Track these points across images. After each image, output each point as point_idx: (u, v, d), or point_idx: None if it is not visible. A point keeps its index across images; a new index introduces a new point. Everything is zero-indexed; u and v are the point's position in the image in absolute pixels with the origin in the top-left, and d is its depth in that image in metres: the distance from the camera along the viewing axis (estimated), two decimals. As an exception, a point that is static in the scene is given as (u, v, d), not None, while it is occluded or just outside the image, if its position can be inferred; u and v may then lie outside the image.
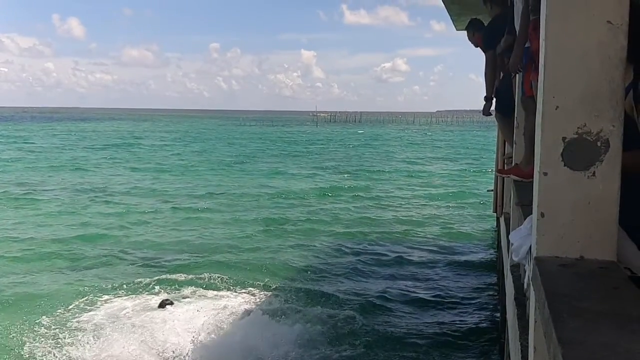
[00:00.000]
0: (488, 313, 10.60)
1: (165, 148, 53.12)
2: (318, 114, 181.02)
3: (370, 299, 11.18)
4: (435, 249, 15.41)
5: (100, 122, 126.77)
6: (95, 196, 23.73)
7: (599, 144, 1.88)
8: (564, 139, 1.91)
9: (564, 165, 1.92)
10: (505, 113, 5.84)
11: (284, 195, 24.37)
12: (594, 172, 1.89)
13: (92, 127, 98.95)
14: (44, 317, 10.17)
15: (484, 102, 6.25)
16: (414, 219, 19.56)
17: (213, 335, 9.40)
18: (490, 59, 5.91)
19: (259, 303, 11.04)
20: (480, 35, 6.21)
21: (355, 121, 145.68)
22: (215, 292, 11.61)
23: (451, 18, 14.68)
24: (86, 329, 9.68)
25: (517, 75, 5.51)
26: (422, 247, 15.57)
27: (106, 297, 11.29)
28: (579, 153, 1.90)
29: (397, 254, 14.61)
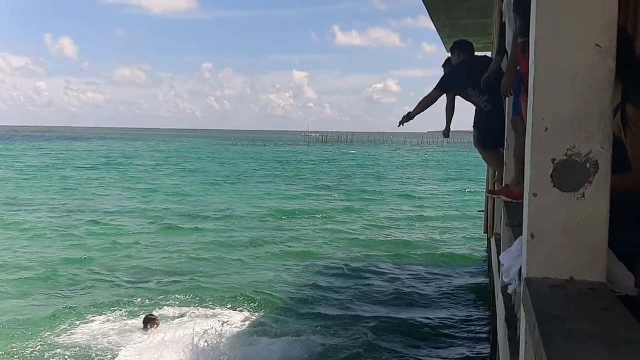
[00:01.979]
0: (480, 335, 10.56)
1: (156, 168, 52.96)
2: (310, 134, 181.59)
3: (361, 323, 11.05)
4: (426, 269, 15.37)
5: (91, 142, 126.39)
6: (85, 216, 23.57)
7: (588, 165, 1.89)
8: (553, 160, 1.92)
9: (554, 186, 1.93)
10: (487, 147, 5.93)
11: (275, 216, 24.31)
12: (583, 194, 1.90)
13: (83, 147, 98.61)
14: (28, 341, 10.06)
15: (404, 115, 6.28)
16: (405, 240, 19.53)
17: (197, 357, 9.32)
18: (434, 96, 6.03)
19: (247, 326, 10.94)
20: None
21: (346, 141, 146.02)
22: (203, 314, 11.49)
23: (442, 40, 14.81)
24: (71, 352, 9.58)
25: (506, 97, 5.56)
26: (413, 268, 15.53)
27: (93, 319, 11.14)
28: (569, 174, 1.91)
29: (389, 276, 14.54)
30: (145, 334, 10.26)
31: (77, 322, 10.95)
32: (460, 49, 6.12)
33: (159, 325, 10.57)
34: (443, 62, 6.68)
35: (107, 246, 17.84)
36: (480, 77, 5.76)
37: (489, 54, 14.27)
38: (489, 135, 5.91)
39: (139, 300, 12.21)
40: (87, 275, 14.37)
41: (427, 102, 6.08)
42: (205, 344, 9.77)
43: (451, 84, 5.99)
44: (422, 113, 6.20)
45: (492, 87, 5.71)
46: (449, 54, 7.11)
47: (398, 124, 6.26)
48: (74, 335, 10.33)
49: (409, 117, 6.04)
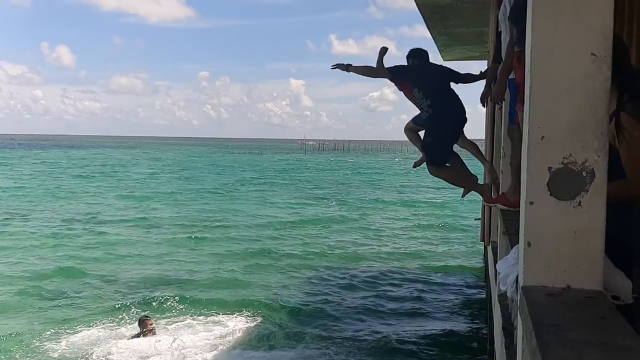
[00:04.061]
0: (477, 344, 10.54)
1: (153, 176, 52.83)
2: (307, 142, 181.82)
3: (359, 335, 10.99)
4: (423, 278, 15.33)
5: (88, 150, 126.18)
6: (81, 226, 23.50)
7: (584, 174, 1.90)
8: (549, 168, 1.93)
9: (550, 194, 1.93)
10: (436, 162, 5.99)
11: (272, 226, 24.22)
12: (579, 202, 1.91)
13: (80, 155, 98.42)
14: (22, 350, 10.05)
15: (342, 64, 6.26)
16: (403, 249, 19.50)
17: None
18: (378, 71, 6.09)
19: (243, 336, 10.89)
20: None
21: (343, 149, 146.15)
22: (198, 324, 11.43)
23: (438, 49, 14.87)
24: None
25: (502, 105, 5.58)
26: (411, 277, 15.49)
27: (87, 329, 11.10)
28: (565, 183, 1.91)
29: (387, 287, 14.49)
30: (140, 340, 10.21)
31: (71, 332, 10.91)
32: (415, 55, 6.26)
33: (155, 332, 10.51)
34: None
35: (103, 255, 17.77)
36: (429, 81, 5.88)
37: (485, 62, 14.33)
38: (431, 146, 5.96)
39: (134, 309, 12.13)
40: (82, 286, 14.31)
41: (369, 71, 6.15)
42: (201, 353, 9.76)
43: (401, 74, 6.09)
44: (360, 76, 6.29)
45: (437, 93, 5.80)
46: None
47: (332, 66, 6.28)
48: (69, 344, 10.30)
49: (346, 68, 6.08)
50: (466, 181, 6.08)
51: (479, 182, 6.14)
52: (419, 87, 5.92)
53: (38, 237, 20.76)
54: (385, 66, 6.06)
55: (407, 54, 6.37)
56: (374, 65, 5.96)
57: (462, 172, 6.13)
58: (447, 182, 6.32)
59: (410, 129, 6.43)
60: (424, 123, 6.04)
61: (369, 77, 6.34)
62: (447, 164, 6.07)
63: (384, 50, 6.07)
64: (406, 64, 6.31)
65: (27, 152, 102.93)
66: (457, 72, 6.13)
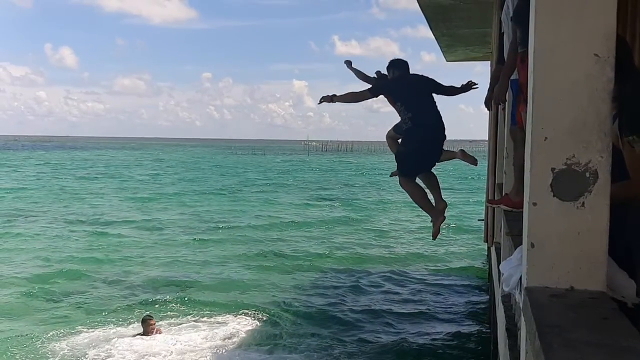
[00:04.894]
0: (482, 347, 10.53)
1: (157, 177, 52.87)
2: (310, 143, 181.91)
3: (361, 336, 10.98)
4: (427, 279, 15.34)
5: (91, 151, 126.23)
6: (84, 227, 23.53)
7: (587, 174, 1.89)
8: (552, 169, 1.92)
9: (553, 195, 1.93)
10: (406, 172, 5.99)
11: (276, 227, 24.23)
12: (583, 203, 1.91)
13: (83, 156, 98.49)
14: (25, 351, 10.08)
15: (328, 96, 6.27)
16: (406, 250, 19.49)
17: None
18: (363, 96, 6.09)
19: (243, 338, 10.89)
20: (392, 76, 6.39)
21: (346, 150, 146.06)
22: (200, 325, 11.43)
23: (441, 49, 14.86)
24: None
25: (505, 106, 5.57)
26: (414, 279, 15.51)
27: (90, 329, 11.16)
28: (568, 184, 1.91)
29: (389, 288, 14.49)
30: (143, 340, 10.22)
31: (74, 333, 10.96)
32: (396, 66, 6.26)
33: (160, 331, 10.53)
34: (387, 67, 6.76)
35: (106, 257, 17.78)
36: (410, 93, 5.88)
37: (488, 63, 14.32)
38: (404, 156, 5.96)
39: (137, 310, 12.17)
40: (85, 287, 14.32)
41: (354, 98, 6.15)
42: (204, 354, 9.77)
43: (382, 90, 6.12)
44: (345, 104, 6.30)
45: (418, 106, 5.80)
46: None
47: (319, 101, 6.28)
48: (71, 345, 10.34)
49: (331, 99, 6.08)
50: (429, 207, 6.04)
51: (446, 209, 6.07)
52: (401, 100, 5.94)
53: (42, 238, 20.80)
54: (367, 77, 6.09)
55: (387, 65, 6.38)
56: (357, 82, 6.06)
57: (434, 194, 6.11)
58: (411, 199, 6.26)
59: (391, 137, 6.48)
60: (403, 133, 6.05)
61: (354, 102, 6.33)
62: (419, 181, 6.08)
63: (349, 63, 6.15)
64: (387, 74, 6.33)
65: (31, 153, 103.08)
66: (439, 83, 6.10)
